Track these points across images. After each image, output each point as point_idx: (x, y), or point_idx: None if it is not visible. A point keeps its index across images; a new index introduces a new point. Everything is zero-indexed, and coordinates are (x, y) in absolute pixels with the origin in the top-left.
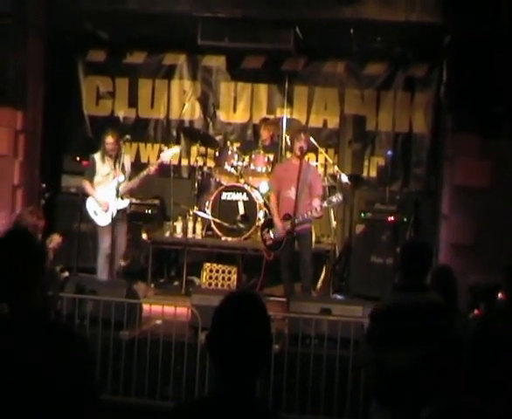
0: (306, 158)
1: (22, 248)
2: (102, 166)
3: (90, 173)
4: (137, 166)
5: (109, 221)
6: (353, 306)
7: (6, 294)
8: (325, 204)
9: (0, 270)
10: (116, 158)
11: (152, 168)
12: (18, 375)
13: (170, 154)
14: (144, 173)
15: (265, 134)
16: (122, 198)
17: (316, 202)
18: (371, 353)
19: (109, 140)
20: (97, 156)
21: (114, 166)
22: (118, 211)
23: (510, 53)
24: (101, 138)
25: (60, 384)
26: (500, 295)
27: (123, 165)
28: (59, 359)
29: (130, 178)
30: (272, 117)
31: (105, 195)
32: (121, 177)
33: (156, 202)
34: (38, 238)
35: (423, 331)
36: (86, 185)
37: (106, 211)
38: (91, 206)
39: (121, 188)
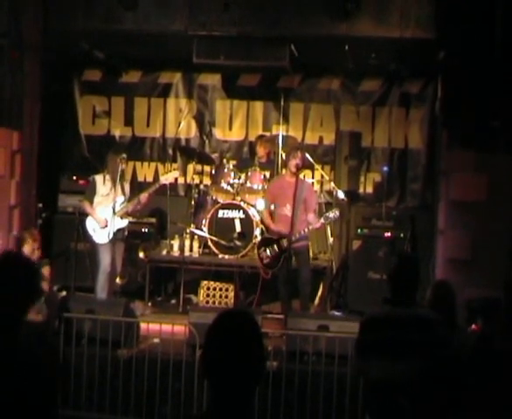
0: (301, 175)
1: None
2: (102, 187)
3: (90, 193)
4: (134, 185)
5: (108, 239)
6: (350, 323)
7: None
8: (322, 220)
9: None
10: (116, 179)
11: (151, 191)
12: None
13: (170, 177)
14: (144, 194)
15: (261, 151)
16: (122, 218)
17: (311, 217)
18: (359, 363)
19: (119, 161)
20: (98, 177)
21: (115, 187)
22: (117, 231)
23: (505, 68)
24: (111, 157)
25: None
26: (473, 326)
27: (123, 186)
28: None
29: (129, 200)
30: (268, 134)
31: (104, 213)
32: (121, 198)
33: (153, 220)
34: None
35: (405, 345)
36: (86, 205)
37: (104, 227)
38: (90, 224)
39: (119, 209)
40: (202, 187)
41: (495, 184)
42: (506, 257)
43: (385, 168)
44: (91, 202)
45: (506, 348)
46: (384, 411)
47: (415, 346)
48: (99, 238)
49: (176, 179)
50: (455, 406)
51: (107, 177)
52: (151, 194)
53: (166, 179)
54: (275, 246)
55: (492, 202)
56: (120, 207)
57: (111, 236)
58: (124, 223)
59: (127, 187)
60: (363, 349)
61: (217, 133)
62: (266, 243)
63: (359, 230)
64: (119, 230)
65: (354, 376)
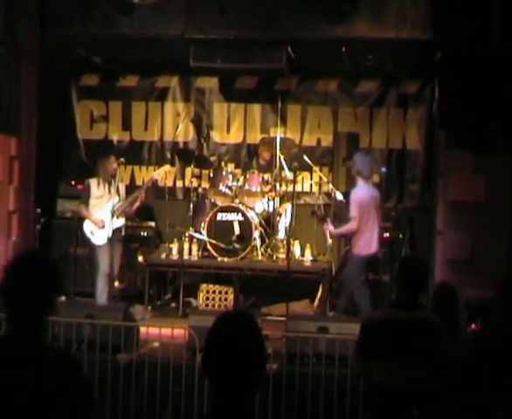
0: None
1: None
2: (96, 190)
3: (85, 198)
4: (132, 189)
5: (106, 239)
6: (350, 324)
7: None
8: None
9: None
10: (111, 182)
11: (145, 186)
12: (17, 401)
13: (161, 171)
14: (139, 192)
15: (265, 154)
16: (118, 217)
17: None
18: (360, 364)
19: (112, 162)
20: (92, 181)
21: (109, 189)
22: (114, 231)
23: (501, 68)
24: (102, 162)
25: (58, 412)
26: (473, 326)
27: (118, 188)
28: (57, 386)
29: (126, 198)
30: (266, 136)
31: (100, 214)
32: (116, 198)
33: (152, 224)
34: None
35: (409, 348)
36: (82, 209)
37: (101, 228)
38: (87, 227)
39: (115, 209)
40: (200, 190)
41: (493, 185)
42: (505, 256)
43: (383, 169)
44: (87, 206)
45: (502, 348)
46: (389, 416)
47: (418, 350)
48: (97, 240)
49: (174, 182)
50: (460, 410)
51: (101, 180)
52: (147, 191)
53: (158, 174)
54: None
55: (490, 202)
56: (116, 206)
57: (110, 235)
58: (121, 222)
59: (122, 188)
60: (364, 351)
61: (215, 137)
62: None
63: None
64: (116, 230)
65: (355, 376)
